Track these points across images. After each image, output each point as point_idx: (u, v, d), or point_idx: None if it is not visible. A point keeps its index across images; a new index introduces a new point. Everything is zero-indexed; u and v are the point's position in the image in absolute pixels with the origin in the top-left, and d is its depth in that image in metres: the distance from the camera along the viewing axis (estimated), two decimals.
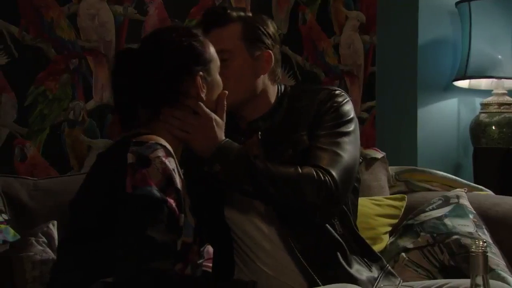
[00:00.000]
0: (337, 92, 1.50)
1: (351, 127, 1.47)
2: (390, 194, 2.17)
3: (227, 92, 1.38)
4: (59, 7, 2.13)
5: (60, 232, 1.64)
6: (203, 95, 1.32)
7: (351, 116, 1.48)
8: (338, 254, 1.43)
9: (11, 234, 1.61)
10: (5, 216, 1.65)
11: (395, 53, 2.94)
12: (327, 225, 1.44)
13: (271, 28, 1.54)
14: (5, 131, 2.01)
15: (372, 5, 2.98)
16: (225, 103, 1.38)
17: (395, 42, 2.94)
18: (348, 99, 1.50)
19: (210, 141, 1.34)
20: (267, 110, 1.50)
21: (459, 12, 2.80)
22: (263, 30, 1.51)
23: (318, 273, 1.40)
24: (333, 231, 1.44)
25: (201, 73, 1.32)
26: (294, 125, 1.47)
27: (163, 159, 1.19)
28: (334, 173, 1.37)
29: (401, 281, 1.51)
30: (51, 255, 1.55)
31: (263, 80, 1.50)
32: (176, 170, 1.22)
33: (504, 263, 1.77)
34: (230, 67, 1.44)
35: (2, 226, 1.61)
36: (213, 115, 1.35)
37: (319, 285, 1.37)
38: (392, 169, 2.27)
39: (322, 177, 1.36)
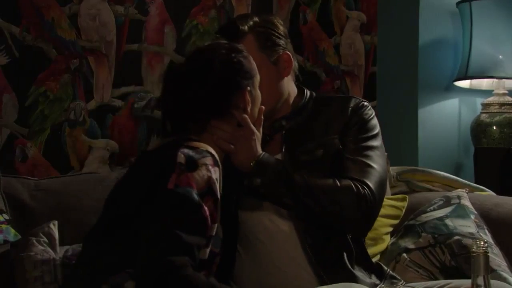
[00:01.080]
0: (366, 103, 1.56)
1: (380, 140, 1.52)
2: (391, 195, 2.16)
3: (263, 107, 1.42)
4: (60, 7, 2.13)
5: (61, 231, 1.64)
6: (249, 109, 1.38)
7: (379, 129, 1.54)
8: (345, 255, 1.44)
9: (12, 234, 1.61)
10: (6, 216, 1.65)
11: (396, 53, 2.94)
12: None
13: (281, 27, 1.57)
14: (6, 131, 2.01)
15: (373, 5, 2.98)
16: (262, 117, 1.43)
17: (396, 42, 2.94)
18: (374, 112, 1.56)
19: (250, 154, 1.39)
20: (291, 110, 1.54)
21: (460, 12, 2.80)
22: (275, 33, 1.54)
23: (324, 269, 1.41)
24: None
25: (248, 87, 1.38)
26: (323, 128, 1.51)
27: (210, 167, 1.24)
28: (371, 186, 1.41)
29: (404, 282, 1.51)
30: (52, 255, 1.56)
31: (287, 81, 1.55)
32: (218, 180, 1.27)
33: (506, 264, 1.77)
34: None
35: (3, 226, 1.61)
36: (255, 129, 1.40)
37: (325, 281, 1.39)
38: (393, 169, 2.27)
39: (361, 190, 1.39)
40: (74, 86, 2.16)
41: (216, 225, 1.26)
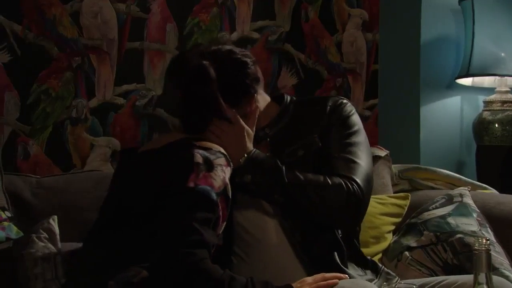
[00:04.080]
0: (344, 101, 1.55)
1: (362, 135, 1.52)
2: (394, 193, 2.16)
3: (260, 107, 1.46)
4: (61, 5, 2.13)
5: (62, 228, 1.64)
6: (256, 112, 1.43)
7: (360, 125, 1.54)
8: (336, 253, 1.45)
9: (14, 232, 1.61)
10: (8, 214, 1.65)
11: (398, 51, 2.94)
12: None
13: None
14: (8, 129, 2.02)
15: (375, 3, 2.97)
16: (256, 116, 1.45)
17: (398, 40, 2.94)
18: (354, 109, 1.56)
19: (240, 150, 1.41)
20: (272, 118, 1.55)
21: (462, 9, 2.79)
22: None
23: (315, 267, 1.41)
24: (335, 232, 1.47)
25: (256, 94, 1.43)
26: (304, 129, 1.51)
27: (224, 167, 1.27)
28: (359, 182, 1.43)
29: (399, 279, 1.52)
30: (53, 250, 1.55)
31: (261, 95, 1.53)
32: (228, 179, 1.29)
33: (508, 262, 1.77)
34: None
35: (6, 223, 1.61)
36: (245, 126, 1.42)
37: None
38: (395, 167, 2.27)
39: (350, 187, 1.41)
40: (76, 84, 2.16)
41: (224, 224, 1.28)
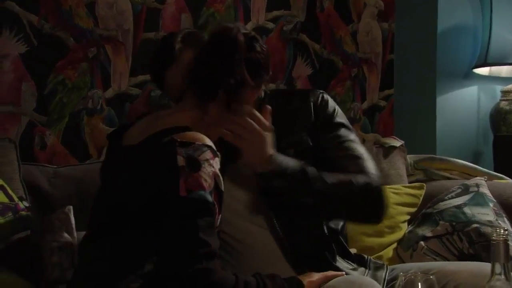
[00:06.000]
0: (325, 95, 1.51)
1: (351, 128, 1.49)
2: (409, 183, 2.15)
3: (269, 107, 1.36)
4: None
5: (79, 218, 1.65)
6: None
7: (345, 117, 1.51)
8: (324, 248, 1.43)
9: (32, 221, 1.63)
10: (26, 203, 1.67)
11: (414, 40, 2.92)
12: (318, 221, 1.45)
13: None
14: (25, 119, 2.03)
15: None
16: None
17: (414, 29, 2.91)
18: (334, 101, 1.51)
19: (263, 153, 1.33)
20: None
21: None
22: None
23: (305, 265, 1.39)
24: (323, 229, 1.44)
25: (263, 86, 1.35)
26: (290, 127, 1.46)
27: (211, 161, 1.19)
28: (374, 173, 1.41)
29: (387, 266, 1.51)
30: (69, 239, 1.57)
31: None
32: (219, 170, 1.22)
33: None
34: None
35: (23, 213, 1.62)
36: (267, 124, 1.33)
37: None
38: (411, 158, 2.26)
39: (371, 181, 1.39)
40: (92, 75, 2.17)
41: (220, 217, 1.23)
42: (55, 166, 1.88)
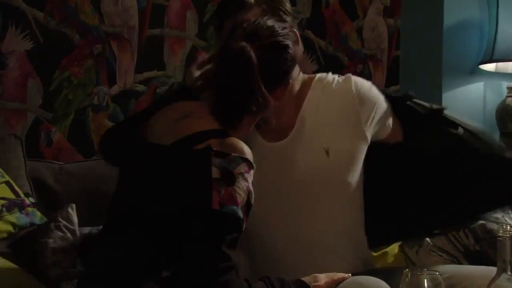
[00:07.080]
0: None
1: None
2: None
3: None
4: None
5: (85, 214, 1.66)
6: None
7: None
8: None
9: (38, 217, 1.64)
10: (32, 199, 1.67)
11: (420, 37, 2.90)
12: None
13: (287, 3, 1.47)
14: (31, 116, 2.04)
15: None
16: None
17: (420, 25, 2.90)
18: None
19: None
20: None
21: None
22: (282, 8, 1.44)
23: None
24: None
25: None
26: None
27: (246, 174, 1.16)
28: None
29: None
30: (70, 239, 1.56)
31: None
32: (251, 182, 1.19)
33: None
34: None
35: (29, 209, 1.63)
36: None
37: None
38: None
39: None
40: (97, 71, 2.17)
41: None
42: (61, 163, 1.89)
